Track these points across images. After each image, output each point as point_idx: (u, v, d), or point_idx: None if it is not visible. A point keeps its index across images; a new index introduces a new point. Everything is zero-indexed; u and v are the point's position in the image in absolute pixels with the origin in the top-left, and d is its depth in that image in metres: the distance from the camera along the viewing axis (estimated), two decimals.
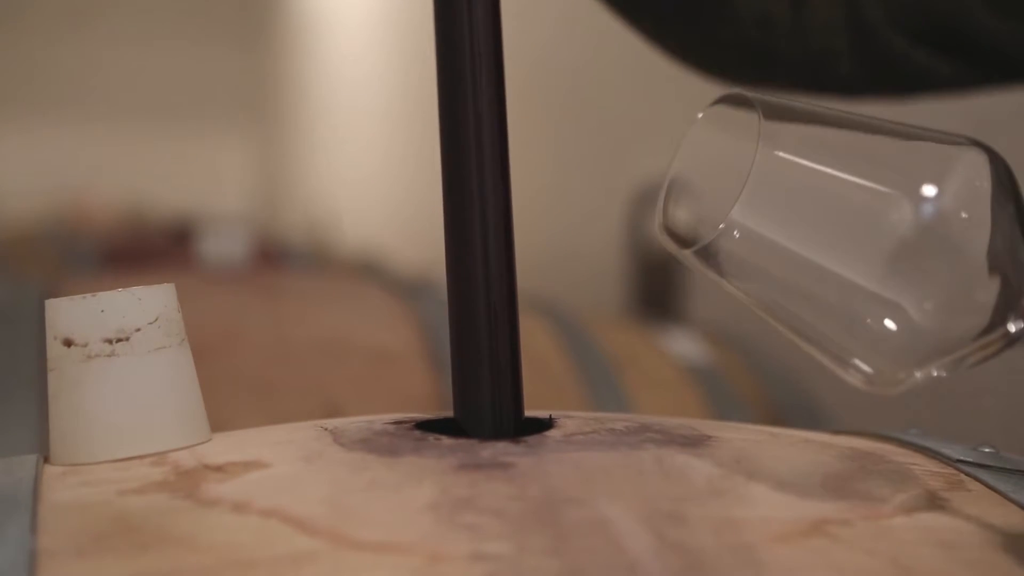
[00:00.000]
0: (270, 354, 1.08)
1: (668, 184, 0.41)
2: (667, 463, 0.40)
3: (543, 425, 0.44)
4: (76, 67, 5.81)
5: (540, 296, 1.42)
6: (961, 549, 0.37)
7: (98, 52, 5.88)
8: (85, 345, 0.42)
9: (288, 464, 0.40)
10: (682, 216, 0.41)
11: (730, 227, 0.39)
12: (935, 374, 0.39)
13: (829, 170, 0.39)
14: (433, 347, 1.11)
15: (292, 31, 5.55)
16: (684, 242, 0.40)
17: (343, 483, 0.38)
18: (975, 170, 0.39)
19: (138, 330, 0.43)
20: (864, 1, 0.68)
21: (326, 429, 0.44)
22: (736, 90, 0.41)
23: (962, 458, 0.44)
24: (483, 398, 0.44)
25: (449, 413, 0.45)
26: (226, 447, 0.43)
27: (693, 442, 0.43)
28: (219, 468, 0.40)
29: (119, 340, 0.43)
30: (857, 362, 0.39)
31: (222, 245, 2.06)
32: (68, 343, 0.43)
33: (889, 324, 0.38)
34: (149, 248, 2.64)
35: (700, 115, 0.41)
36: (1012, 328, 0.38)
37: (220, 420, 0.46)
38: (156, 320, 0.43)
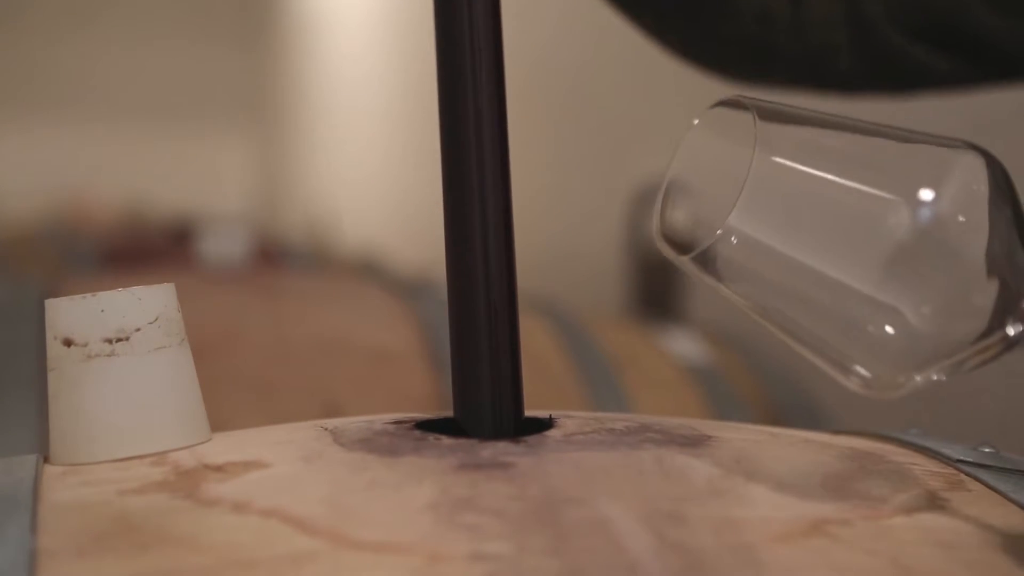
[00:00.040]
0: (270, 354, 1.08)
1: (665, 189, 0.41)
2: (667, 463, 0.40)
3: (543, 425, 0.44)
4: (76, 67, 5.81)
5: (540, 296, 1.42)
6: (961, 549, 0.37)
7: (98, 52, 5.88)
8: (85, 345, 0.42)
9: (288, 464, 0.40)
10: (680, 222, 0.41)
11: (727, 233, 0.39)
12: (934, 378, 0.39)
13: (826, 175, 0.39)
14: (433, 347, 1.11)
15: (292, 31, 5.55)
16: (682, 248, 0.40)
17: (343, 483, 0.38)
18: (972, 174, 0.39)
19: (138, 330, 0.43)
20: None
21: (326, 429, 0.44)
22: (732, 94, 0.41)
23: (962, 458, 0.44)
24: (483, 398, 0.44)
25: (449, 413, 0.45)
26: (226, 447, 0.43)
27: (693, 442, 0.43)
28: (219, 468, 0.40)
29: (119, 340, 0.43)
30: (856, 367, 0.39)
31: (222, 245, 2.06)
32: (68, 343, 0.43)
33: (887, 329, 0.38)
34: (149, 248, 2.64)
35: (696, 120, 0.41)
36: (1011, 331, 0.38)
37: (220, 420, 0.46)
38: (156, 320, 0.43)
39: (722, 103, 0.41)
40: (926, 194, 0.38)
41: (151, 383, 0.43)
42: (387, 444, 0.41)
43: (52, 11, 5.77)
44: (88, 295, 0.43)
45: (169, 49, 6.00)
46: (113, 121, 5.90)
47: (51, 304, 0.43)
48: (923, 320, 0.38)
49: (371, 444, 0.41)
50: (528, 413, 0.45)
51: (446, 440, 0.42)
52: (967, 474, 0.43)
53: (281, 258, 2.51)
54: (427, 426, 0.44)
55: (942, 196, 0.38)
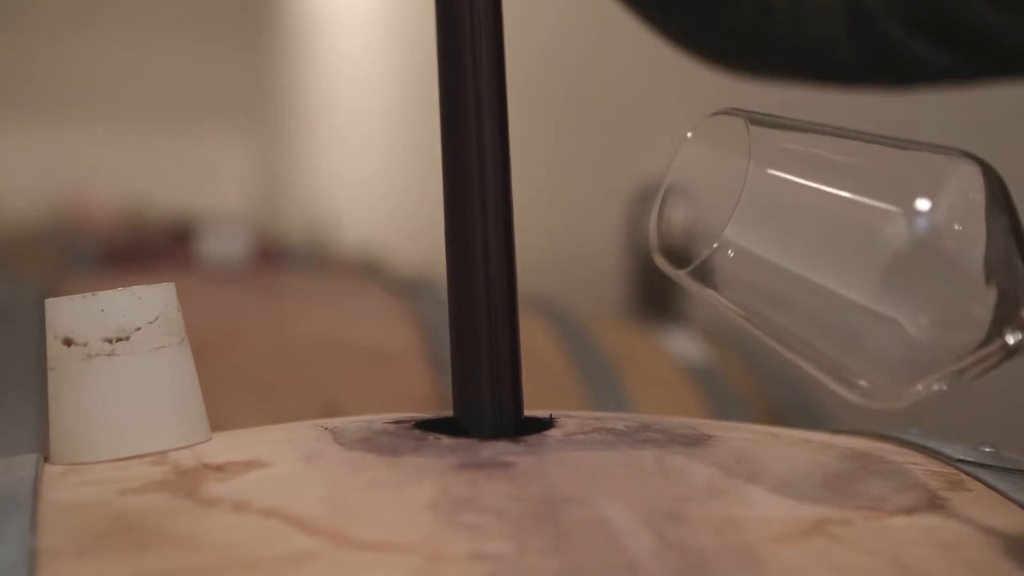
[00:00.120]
0: (270, 354, 1.08)
1: (660, 203, 0.41)
2: (667, 463, 0.40)
3: (543, 425, 0.44)
4: (76, 67, 5.81)
5: (540, 296, 1.42)
6: (961, 549, 0.37)
7: (98, 52, 5.88)
8: (85, 344, 0.42)
9: (288, 464, 0.40)
10: (676, 236, 0.41)
11: (724, 246, 0.39)
12: (935, 388, 0.39)
13: (821, 186, 0.39)
14: (433, 347, 1.11)
15: (292, 31, 5.55)
16: (679, 262, 0.40)
17: (343, 483, 0.38)
18: (968, 183, 0.39)
19: (138, 329, 0.43)
20: None
21: (326, 429, 0.44)
22: (726, 106, 0.41)
23: (962, 458, 0.44)
24: (483, 398, 0.44)
25: (449, 413, 0.45)
26: (226, 447, 0.43)
27: (693, 442, 0.43)
28: (219, 468, 0.40)
29: (119, 339, 0.43)
30: (856, 378, 0.39)
31: (222, 245, 2.06)
32: (68, 342, 0.43)
33: (886, 339, 0.38)
34: (149, 248, 2.64)
35: (690, 134, 0.41)
36: (1010, 340, 0.38)
37: (220, 419, 0.46)
38: (156, 319, 0.43)
39: (716, 114, 0.41)
40: (923, 204, 0.38)
41: (151, 383, 0.43)
42: (387, 444, 0.41)
43: (52, 11, 5.77)
44: (88, 295, 0.43)
45: (169, 49, 6.00)
46: (113, 121, 5.90)
47: (51, 304, 0.43)
48: (922, 330, 0.38)
49: (371, 444, 0.41)
50: (528, 413, 0.45)
51: (446, 440, 0.42)
52: (967, 474, 0.43)
53: (281, 258, 2.51)
54: (427, 426, 0.44)
55: (939, 206, 0.38)
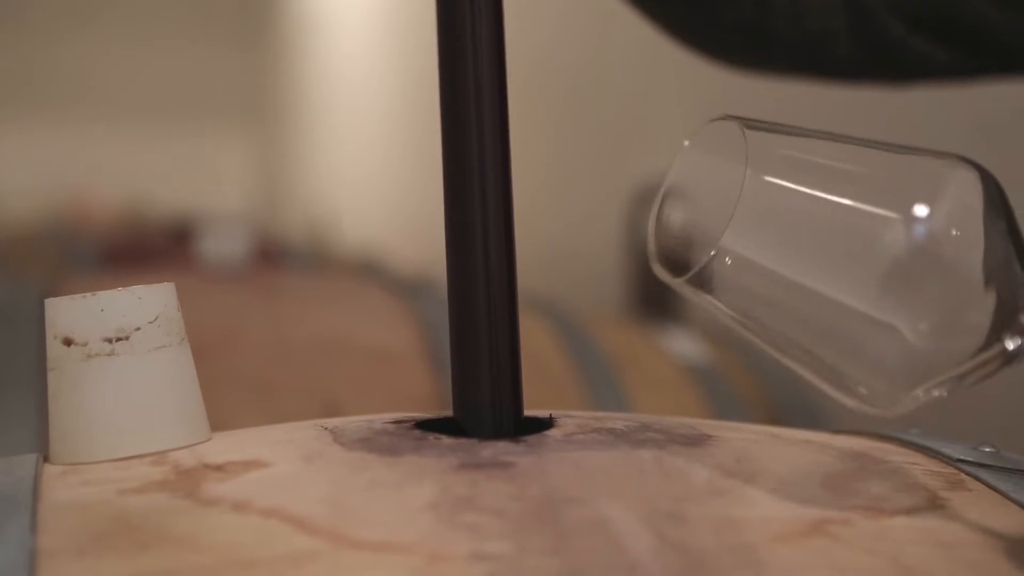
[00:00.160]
0: (270, 354, 1.08)
1: (658, 211, 0.41)
2: (667, 463, 0.40)
3: (543, 425, 0.44)
4: (76, 67, 5.81)
5: (540, 296, 1.42)
6: (961, 549, 0.37)
7: (98, 52, 5.88)
8: (85, 344, 0.42)
9: (288, 464, 0.40)
10: (674, 244, 0.41)
11: (721, 253, 0.39)
12: (935, 394, 0.39)
13: (818, 193, 0.39)
14: (433, 347, 1.11)
15: (292, 31, 5.55)
16: (678, 270, 0.40)
17: (343, 483, 0.38)
18: (966, 188, 0.39)
19: (138, 329, 0.43)
20: None
21: (326, 428, 0.44)
22: (723, 114, 0.41)
23: (963, 458, 0.44)
24: (483, 397, 0.44)
25: (449, 413, 0.45)
26: (226, 446, 0.43)
27: (693, 442, 0.43)
28: (219, 467, 0.40)
29: (119, 339, 0.43)
30: (855, 385, 0.39)
31: (222, 245, 2.07)
32: (68, 342, 0.42)
33: (884, 346, 0.38)
34: (149, 248, 2.64)
35: (687, 141, 0.41)
36: (1010, 346, 0.38)
37: (220, 419, 0.46)
38: (156, 319, 0.43)
39: (713, 121, 0.41)
40: (920, 210, 0.38)
41: (151, 383, 0.43)
42: (387, 444, 0.41)
43: (52, 11, 5.77)
44: (88, 294, 0.43)
45: (169, 49, 6.00)
46: (113, 121, 5.90)
47: (51, 303, 0.43)
48: (920, 336, 0.38)
49: (371, 444, 0.41)
50: (528, 413, 0.45)
51: (446, 440, 0.42)
52: (968, 474, 0.43)
53: (281, 258, 2.51)
54: (427, 426, 0.44)
55: (937, 211, 0.38)
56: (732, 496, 0.39)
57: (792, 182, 0.39)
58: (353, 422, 0.45)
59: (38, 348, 0.98)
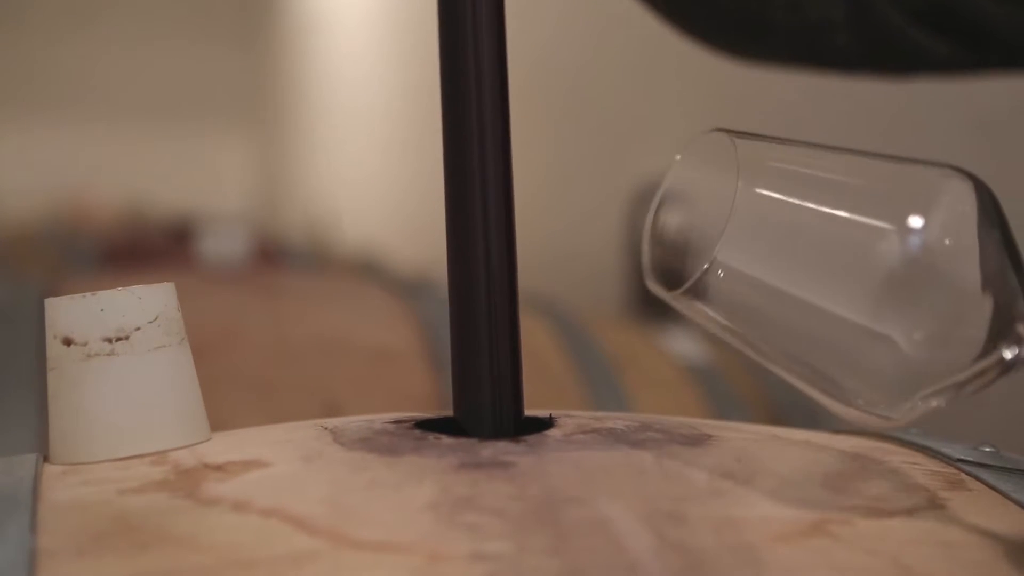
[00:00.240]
0: (270, 354, 1.08)
1: (651, 226, 0.41)
2: (667, 462, 0.40)
3: (543, 424, 0.44)
4: (76, 67, 5.82)
5: (540, 296, 1.42)
6: (961, 549, 0.37)
7: (98, 52, 5.89)
8: (85, 344, 0.42)
9: (288, 463, 0.40)
10: (667, 258, 0.41)
11: (715, 266, 0.39)
12: (933, 404, 0.39)
13: (811, 205, 0.39)
14: (433, 347, 1.11)
15: (292, 31, 5.55)
16: (672, 284, 0.40)
17: (343, 482, 0.38)
18: (960, 198, 0.39)
19: (138, 329, 0.43)
20: None
21: (326, 428, 0.44)
22: (715, 128, 0.41)
23: (963, 457, 0.44)
24: (483, 397, 0.44)
25: (449, 413, 0.45)
26: (226, 446, 0.43)
27: (693, 441, 0.43)
28: (219, 467, 0.40)
29: (119, 339, 0.43)
30: (851, 397, 0.39)
31: (222, 245, 2.07)
32: (68, 342, 0.42)
33: (881, 357, 0.38)
34: (149, 247, 2.64)
35: (679, 156, 0.41)
36: (1007, 355, 0.38)
37: (220, 419, 0.46)
38: (156, 319, 0.43)
39: (704, 135, 0.41)
40: (915, 221, 0.38)
41: (151, 382, 0.43)
42: (387, 443, 0.41)
43: (52, 11, 5.77)
44: (88, 294, 0.43)
45: (169, 49, 6.00)
46: (113, 121, 5.91)
47: (51, 303, 0.43)
48: (916, 347, 0.38)
49: (371, 443, 0.41)
50: (528, 413, 0.45)
51: (446, 439, 0.42)
52: (968, 474, 0.43)
53: (281, 258, 2.51)
54: (427, 425, 0.44)
55: (931, 222, 0.38)
56: (732, 496, 0.39)
57: (785, 194, 0.39)
58: (353, 422, 0.45)
59: (38, 348, 0.98)
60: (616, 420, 0.45)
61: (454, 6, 0.44)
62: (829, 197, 0.39)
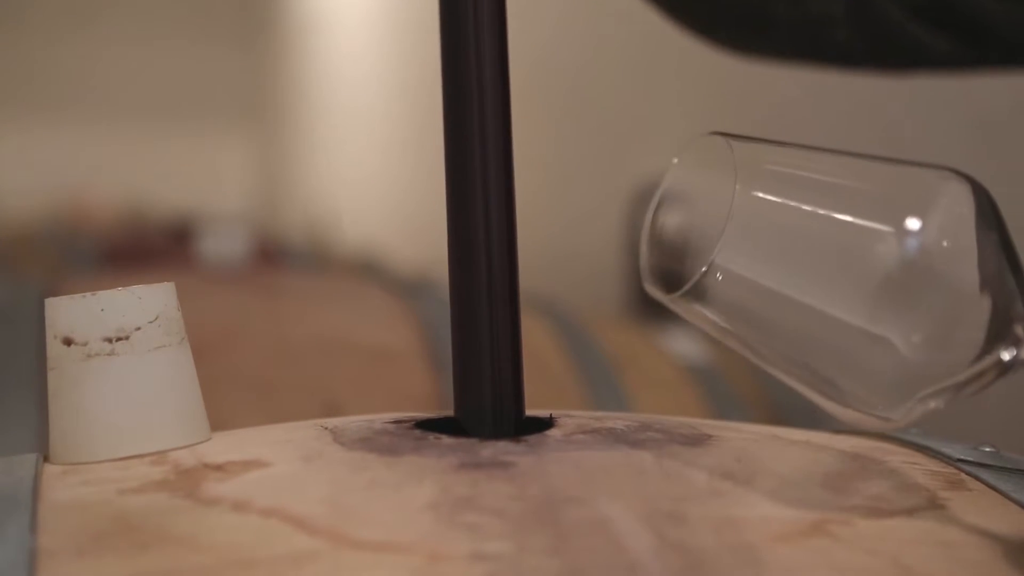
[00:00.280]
0: (270, 354, 1.08)
1: (649, 230, 0.41)
2: (667, 462, 0.40)
3: (543, 424, 0.44)
4: (76, 67, 5.82)
5: (540, 296, 1.42)
6: (962, 549, 0.37)
7: (98, 52, 5.89)
8: (85, 344, 0.42)
9: (288, 463, 0.40)
10: (665, 262, 0.41)
11: (713, 270, 0.39)
12: (931, 406, 0.39)
13: (809, 207, 0.39)
14: (433, 347, 1.11)
15: (292, 31, 5.55)
16: (670, 288, 0.40)
17: (343, 482, 0.38)
18: (958, 200, 0.39)
19: (138, 329, 0.43)
20: None
21: (326, 428, 0.44)
22: (713, 131, 0.41)
23: (963, 457, 0.44)
24: (484, 397, 0.44)
25: (449, 412, 0.45)
26: (226, 446, 0.43)
27: (693, 441, 0.43)
28: (219, 467, 0.40)
29: (119, 339, 0.43)
30: (849, 399, 0.39)
31: (222, 245, 2.07)
32: (68, 342, 0.42)
33: (879, 359, 0.38)
34: (149, 247, 2.64)
35: (675, 159, 0.41)
36: (1005, 356, 0.38)
37: (220, 419, 0.46)
38: (156, 319, 0.43)
39: (701, 138, 0.41)
40: (913, 223, 0.38)
41: (151, 382, 0.43)
42: (387, 443, 0.41)
43: (52, 11, 5.77)
44: (88, 294, 0.43)
45: (169, 49, 6.00)
46: (113, 121, 5.91)
47: (51, 303, 0.43)
48: (915, 349, 0.38)
49: (371, 443, 0.41)
50: (528, 413, 0.45)
51: (446, 439, 0.42)
52: (968, 474, 0.43)
53: (281, 258, 2.51)
54: (427, 425, 0.44)
55: (929, 224, 0.38)
56: (732, 496, 0.39)
57: (782, 197, 0.39)
58: (353, 422, 0.45)
59: (38, 348, 0.98)
60: (616, 420, 0.45)
61: (455, 6, 0.44)
62: (827, 199, 0.39)
